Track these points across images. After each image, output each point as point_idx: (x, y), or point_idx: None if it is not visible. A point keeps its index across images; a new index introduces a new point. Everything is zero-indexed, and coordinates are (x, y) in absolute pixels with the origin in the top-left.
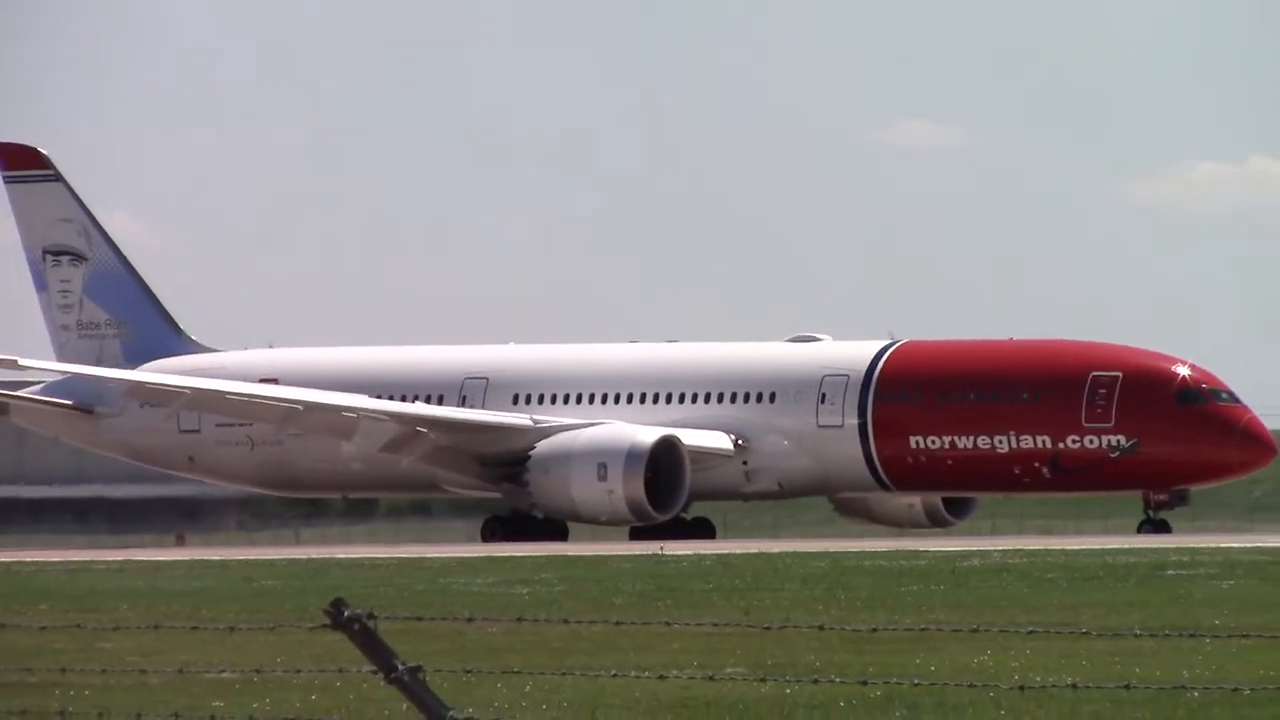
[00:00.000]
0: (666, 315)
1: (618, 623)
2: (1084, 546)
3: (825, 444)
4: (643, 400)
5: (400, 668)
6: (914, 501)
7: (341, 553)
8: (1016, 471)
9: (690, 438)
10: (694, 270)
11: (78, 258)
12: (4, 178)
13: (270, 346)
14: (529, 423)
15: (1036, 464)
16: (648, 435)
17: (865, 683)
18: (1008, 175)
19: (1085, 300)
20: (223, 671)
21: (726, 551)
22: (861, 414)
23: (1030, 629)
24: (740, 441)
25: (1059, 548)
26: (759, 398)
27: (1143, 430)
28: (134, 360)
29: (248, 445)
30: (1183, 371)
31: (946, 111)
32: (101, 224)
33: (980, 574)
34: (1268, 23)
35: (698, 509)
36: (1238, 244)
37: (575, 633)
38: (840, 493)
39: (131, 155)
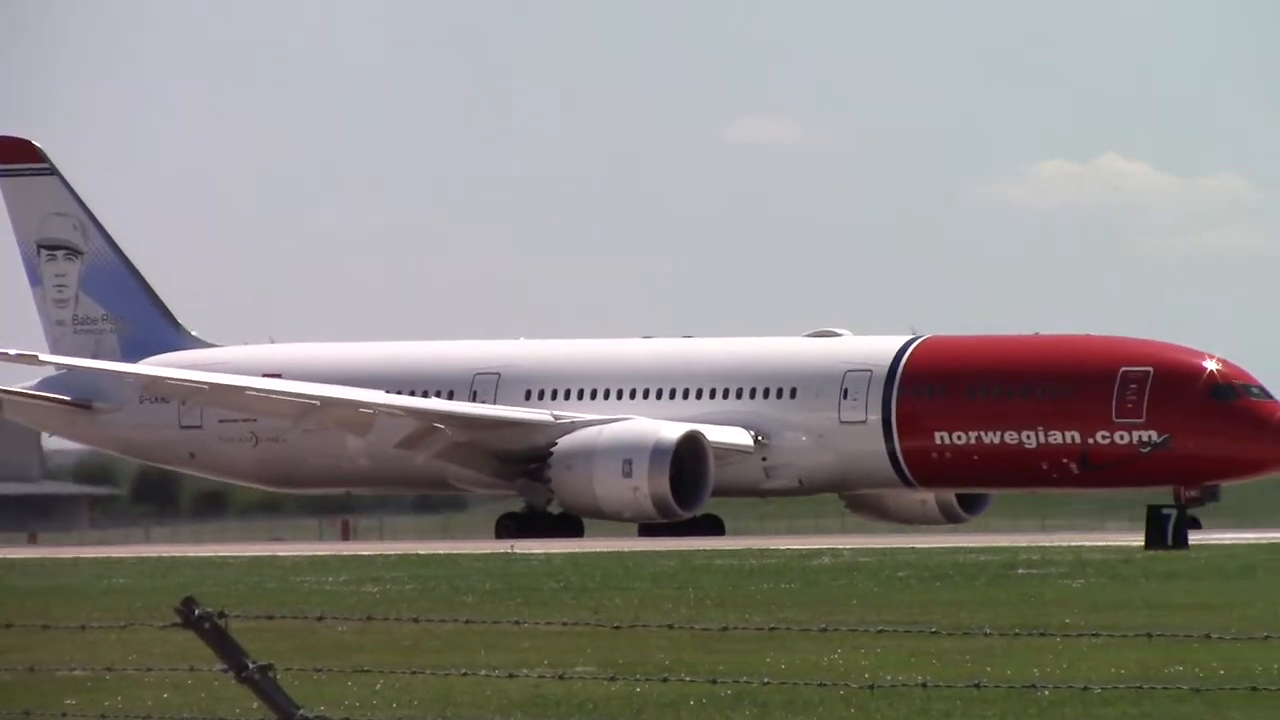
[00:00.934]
0: (677, 311)
1: (468, 621)
2: (935, 545)
3: (847, 440)
4: (659, 396)
5: (251, 666)
6: (928, 498)
7: (194, 551)
8: (1044, 467)
9: (710, 434)
10: (705, 266)
11: (73, 252)
12: None
13: (271, 341)
14: (550, 418)
15: (1065, 460)
16: (673, 431)
17: (715, 681)
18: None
19: (953, 299)
20: (74, 669)
21: (576, 550)
22: (885, 409)
23: (880, 628)
24: (760, 437)
25: (909, 546)
26: (779, 393)
27: (1175, 425)
28: (132, 356)
29: (251, 441)
30: (1214, 366)
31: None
32: (97, 217)
33: (831, 572)
34: (1116, 23)
35: (713, 506)
36: (1082, 240)
37: (426, 631)
38: (861, 489)
39: (127, 148)
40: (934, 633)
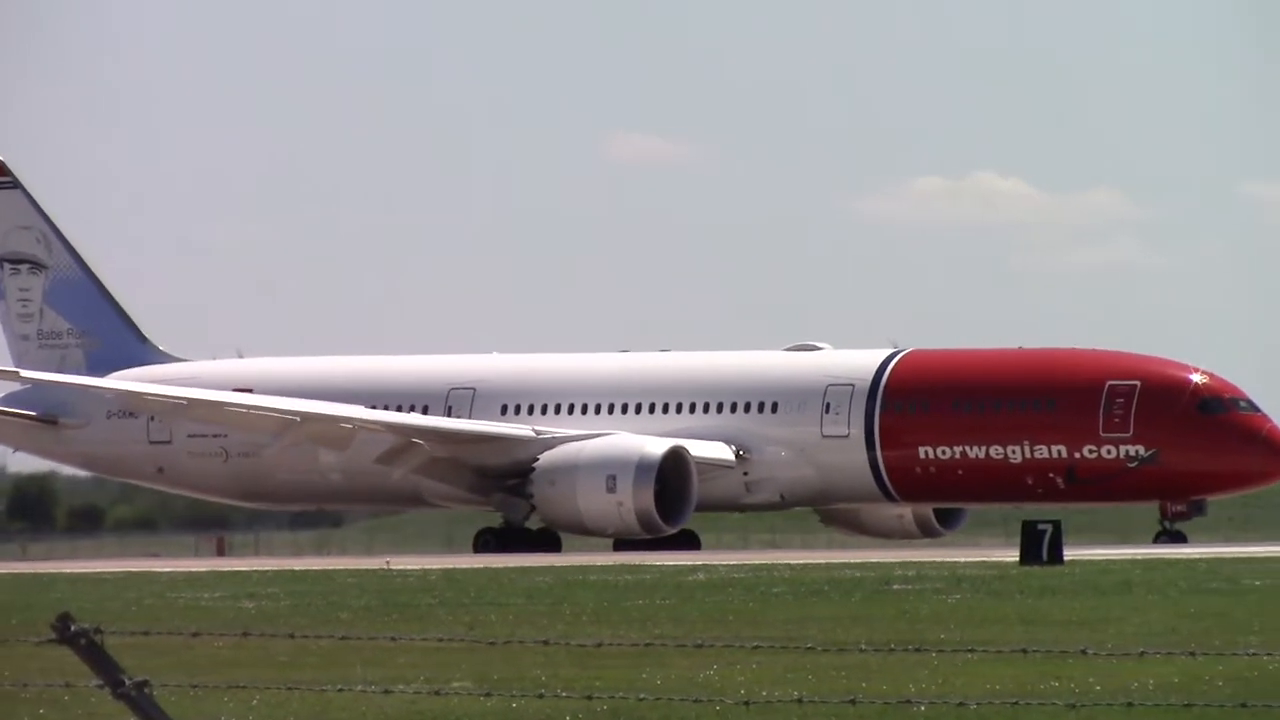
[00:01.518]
0: (651, 324)
1: (344, 637)
2: (810, 560)
3: (829, 454)
4: (639, 410)
5: (127, 682)
6: (905, 512)
7: (70, 567)
8: (1030, 482)
9: (691, 448)
10: (679, 279)
11: (37, 266)
12: None
13: (240, 356)
14: (532, 434)
15: (1051, 474)
16: (657, 446)
17: (591, 697)
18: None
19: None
20: None
21: (452, 566)
22: (868, 423)
23: (756, 644)
24: (741, 452)
25: (785, 562)
26: (760, 407)
27: (1163, 440)
28: (98, 370)
29: (221, 456)
30: (1201, 380)
31: (669, 126)
32: (61, 231)
33: (706, 588)
34: (994, 41)
35: (692, 521)
36: (959, 257)
37: (302, 647)
38: (843, 504)
39: (91, 161)
40: (810, 648)
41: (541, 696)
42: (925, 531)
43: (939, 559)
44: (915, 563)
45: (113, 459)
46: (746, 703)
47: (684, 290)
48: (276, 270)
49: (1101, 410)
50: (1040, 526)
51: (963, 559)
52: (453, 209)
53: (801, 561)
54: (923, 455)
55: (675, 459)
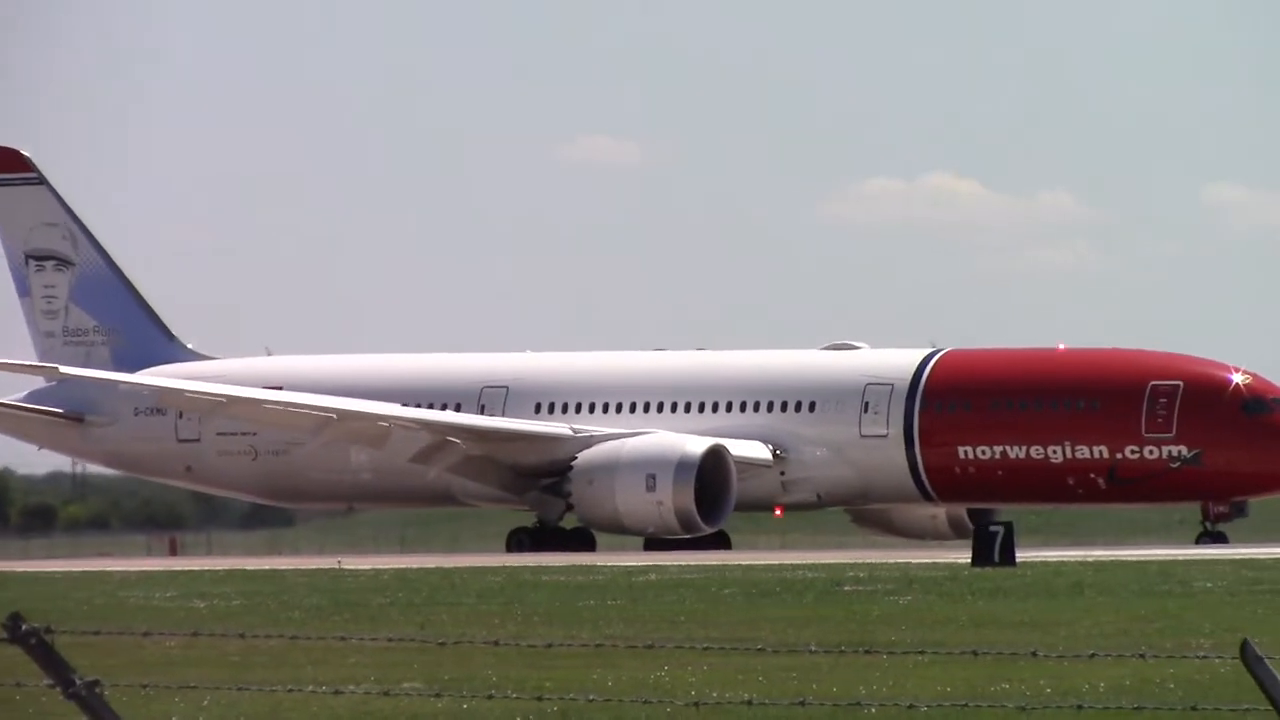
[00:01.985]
0: (684, 323)
1: (294, 637)
2: (761, 562)
3: (868, 454)
4: (674, 409)
5: (78, 682)
6: (938, 513)
7: (21, 566)
8: (1071, 483)
9: (729, 448)
10: (711, 278)
11: (63, 262)
12: None
13: (268, 353)
14: (569, 432)
15: (1092, 475)
16: (697, 445)
17: (541, 698)
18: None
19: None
20: None
21: (404, 566)
22: (907, 423)
23: (706, 645)
24: (778, 451)
25: (737, 563)
26: (798, 407)
27: (1206, 440)
28: (124, 368)
29: (250, 454)
30: (1243, 380)
31: (623, 128)
32: (88, 227)
33: (657, 589)
34: (947, 40)
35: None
36: (915, 258)
37: (252, 647)
38: (880, 504)
39: (118, 157)
40: (760, 650)
41: (491, 697)
42: (958, 532)
43: (891, 560)
44: (867, 564)
45: (141, 457)
46: (697, 704)
47: (677, 290)
48: (304, 267)
49: (1144, 410)
50: (992, 528)
51: (915, 560)
52: (482, 207)
53: (750, 563)
54: (962, 455)
55: (715, 458)
